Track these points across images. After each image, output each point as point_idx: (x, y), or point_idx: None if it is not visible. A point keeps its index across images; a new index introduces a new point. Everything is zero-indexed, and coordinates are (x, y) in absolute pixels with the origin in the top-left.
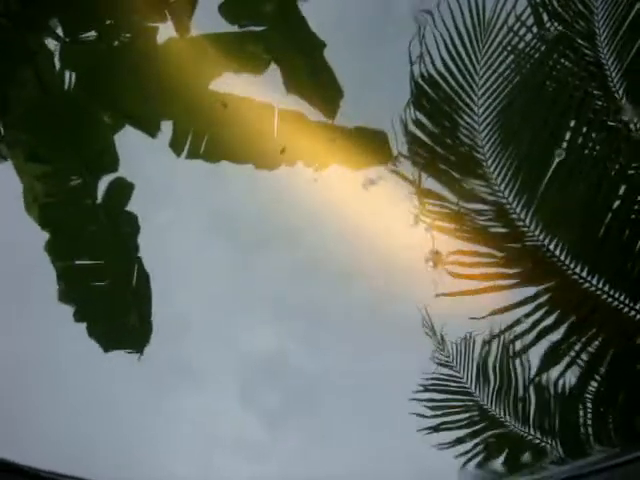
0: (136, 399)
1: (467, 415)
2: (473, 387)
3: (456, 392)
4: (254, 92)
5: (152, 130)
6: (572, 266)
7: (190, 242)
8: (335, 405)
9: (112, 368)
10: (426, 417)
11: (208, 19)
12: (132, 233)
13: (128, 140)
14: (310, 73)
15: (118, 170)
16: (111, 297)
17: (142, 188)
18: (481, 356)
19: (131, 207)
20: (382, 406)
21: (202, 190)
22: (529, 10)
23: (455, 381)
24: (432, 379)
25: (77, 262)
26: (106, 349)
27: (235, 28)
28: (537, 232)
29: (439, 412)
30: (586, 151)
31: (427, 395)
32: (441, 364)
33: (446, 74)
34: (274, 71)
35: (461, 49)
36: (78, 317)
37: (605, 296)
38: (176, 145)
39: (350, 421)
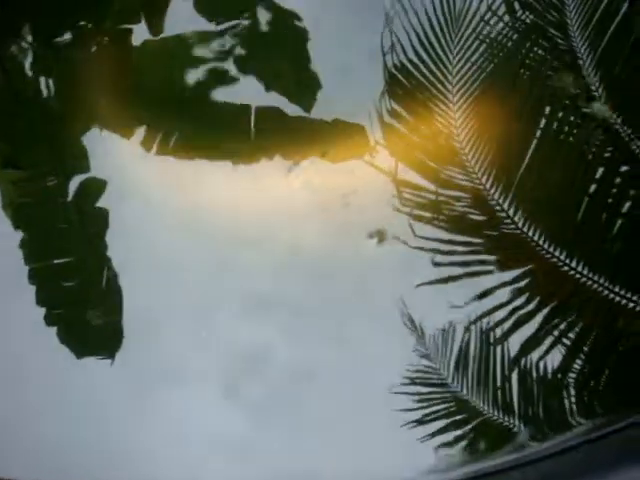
0: (116, 400)
1: (448, 406)
2: (451, 378)
3: (438, 384)
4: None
5: (126, 133)
6: (551, 250)
7: (164, 239)
8: (319, 399)
9: (90, 369)
10: (410, 410)
11: (184, 17)
12: (101, 231)
13: (99, 137)
14: (288, 66)
15: (90, 170)
16: (80, 299)
17: (114, 186)
18: (461, 346)
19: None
20: (365, 399)
21: (176, 186)
22: None
23: (436, 373)
24: (415, 371)
25: (47, 263)
26: (78, 356)
27: (212, 25)
28: (515, 218)
29: (422, 404)
30: (562, 136)
31: (410, 388)
32: (422, 356)
33: (419, 63)
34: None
35: (433, 38)
36: (49, 321)
37: (584, 279)
38: (147, 142)
39: (334, 415)
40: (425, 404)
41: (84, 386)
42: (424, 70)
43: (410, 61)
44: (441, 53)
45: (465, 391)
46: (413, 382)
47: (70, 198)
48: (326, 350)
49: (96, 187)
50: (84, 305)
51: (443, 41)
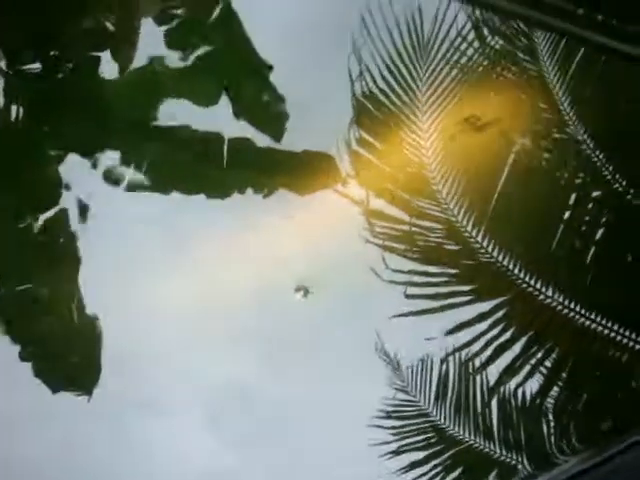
0: (99, 435)
1: (425, 437)
2: (431, 408)
3: (415, 416)
4: (201, 119)
5: (95, 160)
6: (526, 279)
7: (143, 272)
8: (301, 432)
9: (71, 404)
10: (387, 443)
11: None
12: (75, 264)
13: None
14: (257, 96)
15: (58, 203)
16: (55, 335)
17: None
18: (439, 377)
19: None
20: (345, 433)
21: (156, 219)
22: (470, 25)
23: (414, 405)
24: (391, 405)
25: (19, 296)
26: (54, 390)
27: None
28: (490, 248)
29: (399, 437)
30: (534, 163)
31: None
32: (399, 389)
33: (388, 91)
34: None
35: (401, 66)
36: (24, 356)
37: (560, 307)
38: (119, 174)
39: (317, 448)
40: (404, 436)
41: (65, 419)
42: (393, 98)
43: (379, 89)
44: (410, 81)
45: (444, 421)
46: (390, 416)
47: (39, 230)
48: (307, 384)
49: (66, 220)
50: (57, 341)
51: (412, 68)
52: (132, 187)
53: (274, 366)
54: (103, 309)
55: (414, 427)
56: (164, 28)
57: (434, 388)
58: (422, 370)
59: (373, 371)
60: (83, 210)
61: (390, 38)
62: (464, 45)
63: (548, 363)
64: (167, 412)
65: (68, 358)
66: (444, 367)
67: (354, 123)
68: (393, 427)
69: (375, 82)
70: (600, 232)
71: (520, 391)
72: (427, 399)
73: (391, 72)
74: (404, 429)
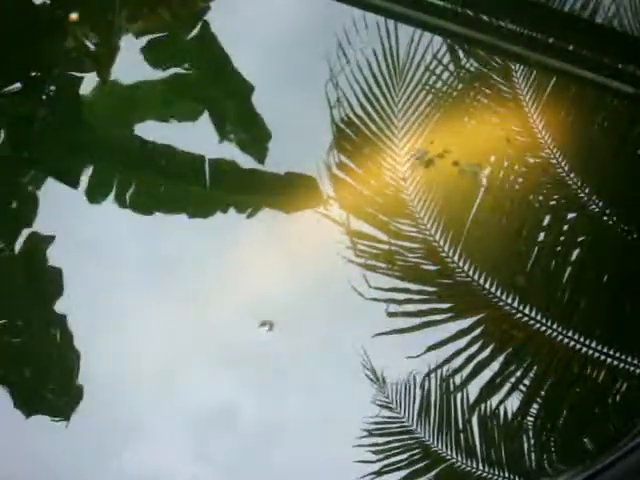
0: (81, 462)
1: (409, 454)
2: (415, 425)
3: (399, 433)
4: (183, 140)
5: (74, 182)
6: (503, 298)
7: (126, 295)
8: (289, 453)
9: (52, 429)
10: (371, 462)
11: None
12: (55, 290)
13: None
14: (238, 117)
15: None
16: (32, 360)
17: (69, 241)
18: (422, 394)
19: (57, 262)
20: (331, 452)
21: (136, 241)
22: (445, 47)
23: (398, 422)
24: (375, 422)
25: None
26: (27, 415)
27: (159, 72)
28: (466, 267)
29: (383, 455)
30: (507, 185)
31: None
32: (384, 406)
33: (365, 117)
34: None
35: (378, 92)
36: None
37: (538, 325)
38: (100, 195)
39: (303, 471)
40: (388, 454)
41: (47, 447)
42: (370, 124)
43: (356, 115)
44: (386, 106)
45: (428, 438)
46: (373, 434)
47: (17, 255)
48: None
49: (43, 243)
50: (33, 366)
51: (388, 94)
52: (115, 204)
53: (259, 385)
54: (85, 333)
55: (398, 444)
56: (144, 47)
57: (417, 405)
58: (406, 387)
59: (357, 389)
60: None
61: (367, 63)
62: (439, 68)
63: (527, 381)
64: (150, 436)
65: (46, 384)
66: (426, 384)
67: (333, 147)
68: (377, 444)
69: (352, 109)
70: (575, 252)
71: (501, 408)
72: (411, 416)
73: (368, 98)
74: (388, 446)
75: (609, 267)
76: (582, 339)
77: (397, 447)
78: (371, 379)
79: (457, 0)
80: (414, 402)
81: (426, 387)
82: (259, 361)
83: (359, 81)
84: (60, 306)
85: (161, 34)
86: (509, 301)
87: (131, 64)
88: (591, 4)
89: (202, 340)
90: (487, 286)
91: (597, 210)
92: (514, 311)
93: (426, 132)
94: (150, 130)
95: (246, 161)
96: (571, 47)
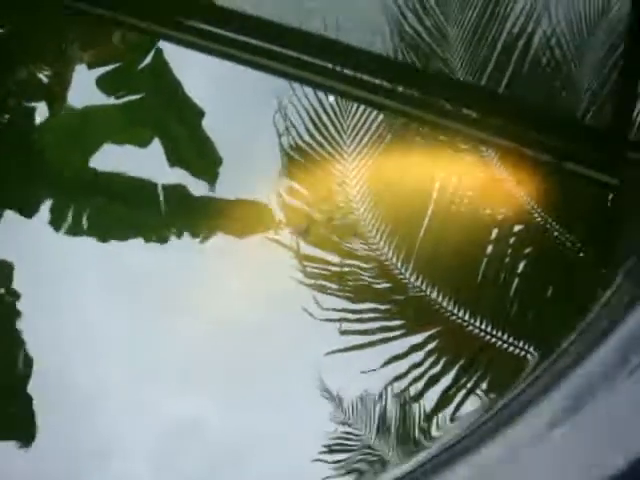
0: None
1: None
2: (374, 441)
3: (358, 448)
4: (136, 166)
5: (29, 212)
6: (455, 311)
7: (89, 316)
8: (255, 470)
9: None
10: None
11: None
12: (12, 315)
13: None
14: (190, 142)
15: None
16: None
17: (30, 267)
18: (380, 409)
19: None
20: (299, 468)
21: (92, 263)
22: None
23: (356, 437)
24: (334, 439)
25: None
26: None
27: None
28: (418, 283)
29: (345, 470)
30: (457, 200)
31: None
32: (341, 423)
33: (314, 144)
34: (156, 143)
35: (325, 119)
36: None
37: (489, 336)
38: (56, 222)
39: None
40: (350, 469)
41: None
42: (319, 150)
43: (305, 142)
44: (334, 133)
45: (388, 452)
46: (332, 450)
47: None
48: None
49: (3, 270)
50: None
51: (336, 121)
52: (71, 233)
53: (221, 403)
54: (46, 351)
55: (360, 458)
56: (96, 75)
57: (376, 420)
58: (363, 403)
59: (318, 407)
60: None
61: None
62: None
63: (479, 392)
64: (116, 454)
65: (6, 409)
66: (384, 398)
67: (284, 174)
68: (338, 461)
69: (301, 136)
70: (522, 265)
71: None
72: (370, 431)
73: (316, 125)
74: (350, 460)
75: (553, 279)
76: (532, 349)
77: (358, 461)
78: (327, 398)
79: None
80: (373, 417)
81: (383, 402)
82: (223, 376)
83: (307, 109)
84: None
85: (115, 64)
86: (460, 314)
87: (84, 92)
88: (530, 26)
89: (165, 356)
90: (439, 300)
91: (542, 222)
92: (465, 324)
93: (376, 154)
94: (102, 157)
95: (198, 186)
96: None
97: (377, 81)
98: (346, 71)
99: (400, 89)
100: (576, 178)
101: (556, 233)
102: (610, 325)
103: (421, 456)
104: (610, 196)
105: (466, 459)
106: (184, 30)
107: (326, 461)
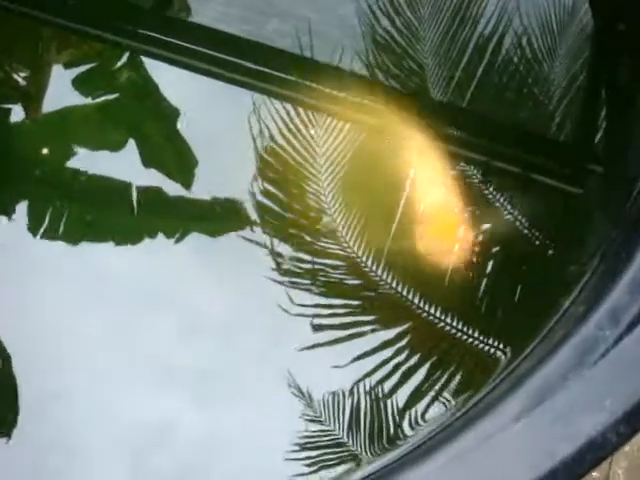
0: None
1: (345, 467)
2: (346, 437)
3: (330, 446)
4: (111, 167)
5: (6, 212)
6: (426, 308)
7: (61, 316)
8: (226, 467)
9: None
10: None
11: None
12: None
13: None
14: (165, 143)
15: None
16: None
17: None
18: (351, 404)
19: None
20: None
21: (65, 265)
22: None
23: (328, 435)
24: (305, 437)
25: None
26: None
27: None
28: (389, 280)
29: (317, 467)
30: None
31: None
32: (312, 420)
33: (287, 147)
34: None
35: (298, 121)
36: None
37: (460, 334)
38: (32, 224)
39: None
40: (322, 465)
41: None
42: (293, 154)
43: (279, 145)
44: (308, 136)
45: (360, 449)
46: (306, 447)
47: None
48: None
49: None
50: None
51: (308, 123)
52: (45, 236)
53: (193, 401)
54: (19, 349)
55: (332, 456)
56: (72, 75)
57: (347, 416)
58: (334, 399)
59: (291, 405)
60: None
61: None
62: None
63: (451, 387)
64: (86, 454)
65: None
66: (355, 395)
67: (257, 177)
68: (309, 457)
69: (274, 139)
70: (490, 264)
71: (427, 416)
72: (341, 428)
73: (289, 129)
74: (322, 458)
75: (521, 277)
76: (502, 346)
77: (330, 459)
78: (297, 395)
79: None
80: (344, 414)
81: (355, 398)
82: (194, 375)
83: (280, 113)
84: None
85: (91, 63)
86: (432, 311)
87: (60, 92)
88: (500, 27)
89: (136, 354)
90: (410, 297)
91: (512, 219)
92: (437, 320)
93: (348, 155)
94: (78, 157)
95: (172, 186)
96: None
97: (348, 96)
98: (315, 85)
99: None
100: (539, 186)
101: (525, 231)
102: (569, 329)
103: (395, 452)
104: (571, 205)
105: (441, 449)
106: (154, 44)
107: (297, 458)
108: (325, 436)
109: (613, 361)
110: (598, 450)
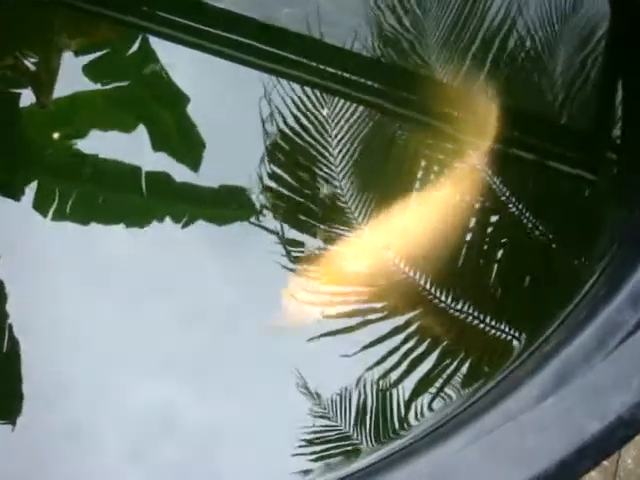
0: (18, 470)
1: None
2: (351, 430)
3: (336, 439)
4: (120, 151)
5: (16, 196)
6: (437, 294)
7: (66, 300)
8: (229, 457)
9: None
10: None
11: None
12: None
13: None
14: (174, 127)
15: None
16: None
17: (9, 253)
18: (358, 395)
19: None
20: (272, 457)
21: (73, 247)
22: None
23: (334, 429)
24: (312, 431)
25: None
26: None
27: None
28: (401, 266)
29: (322, 462)
30: (438, 189)
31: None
32: (319, 416)
33: (298, 128)
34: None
35: (309, 104)
36: None
37: (471, 319)
38: (42, 207)
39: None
40: (327, 460)
41: None
42: (305, 135)
43: (289, 127)
44: (320, 117)
45: (365, 442)
46: (312, 442)
47: None
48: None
49: None
50: None
51: (320, 107)
52: (56, 218)
53: (197, 393)
54: (23, 336)
55: (337, 450)
56: (83, 62)
57: (354, 408)
58: (341, 391)
59: (297, 394)
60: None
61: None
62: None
63: (460, 374)
64: (89, 440)
65: None
66: (362, 384)
67: (266, 159)
68: (314, 452)
69: (285, 121)
70: (500, 252)
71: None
72: (347, 421)
73: (300, 110)
74: (327, 453)
75: (530, 265)
76: (513, 331)
77: (335, 454)
78: (303, 393)
79: None
80: (350, 407)
81: (362, 388)
82: (198, 364)
83: (291, 96)
84: None
85: (102, 51)
86: (442, 297)
87: (71, 77)
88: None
89: (140, 342)
90: (421, 283)
91: (517, 213)
92: (447, 307)
93: (360, 140)
94: (88, 141)
95: (181, 171)
96: None
97: (361, 79)
98: (329, 69)
99: (383, 88)
100: (553, 173)
101: (530, 225)
102: (589, 313)
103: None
104: (587, 191)
105: (467, 428)
106: (167, 25)
107: (303, 453)
108: (332, 430)
109: (635, 344)
110: (628, 428)
